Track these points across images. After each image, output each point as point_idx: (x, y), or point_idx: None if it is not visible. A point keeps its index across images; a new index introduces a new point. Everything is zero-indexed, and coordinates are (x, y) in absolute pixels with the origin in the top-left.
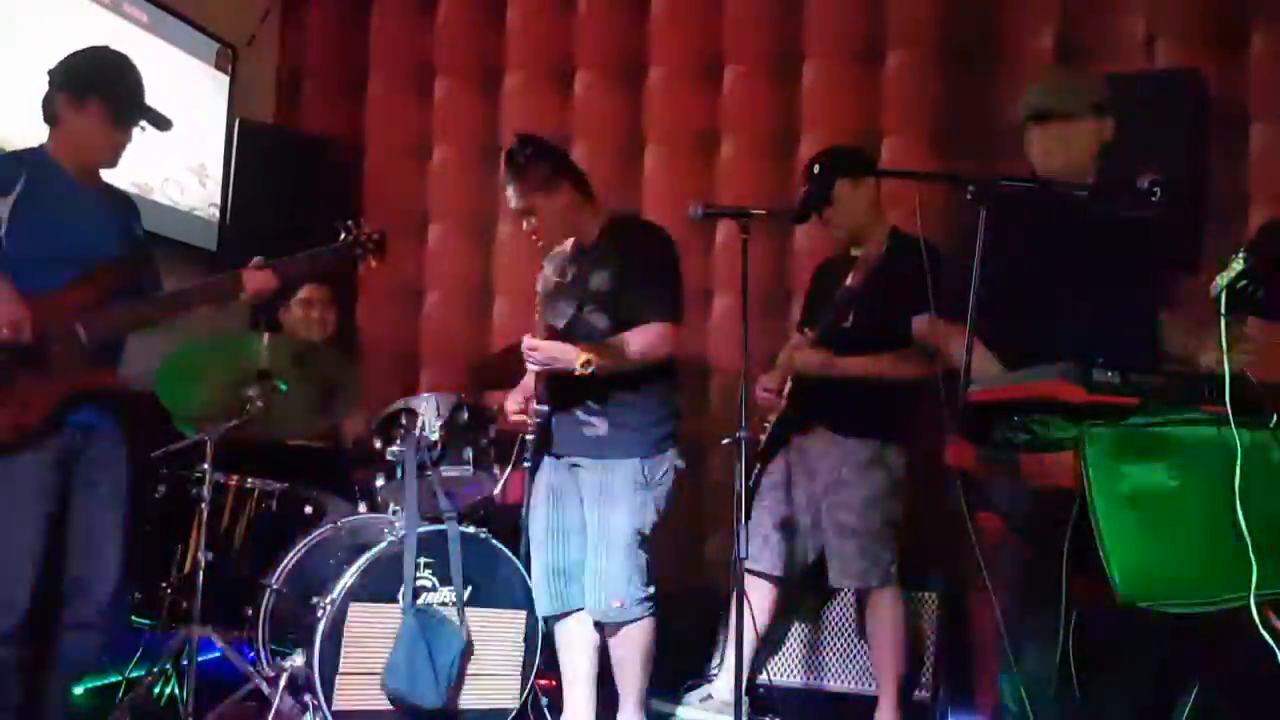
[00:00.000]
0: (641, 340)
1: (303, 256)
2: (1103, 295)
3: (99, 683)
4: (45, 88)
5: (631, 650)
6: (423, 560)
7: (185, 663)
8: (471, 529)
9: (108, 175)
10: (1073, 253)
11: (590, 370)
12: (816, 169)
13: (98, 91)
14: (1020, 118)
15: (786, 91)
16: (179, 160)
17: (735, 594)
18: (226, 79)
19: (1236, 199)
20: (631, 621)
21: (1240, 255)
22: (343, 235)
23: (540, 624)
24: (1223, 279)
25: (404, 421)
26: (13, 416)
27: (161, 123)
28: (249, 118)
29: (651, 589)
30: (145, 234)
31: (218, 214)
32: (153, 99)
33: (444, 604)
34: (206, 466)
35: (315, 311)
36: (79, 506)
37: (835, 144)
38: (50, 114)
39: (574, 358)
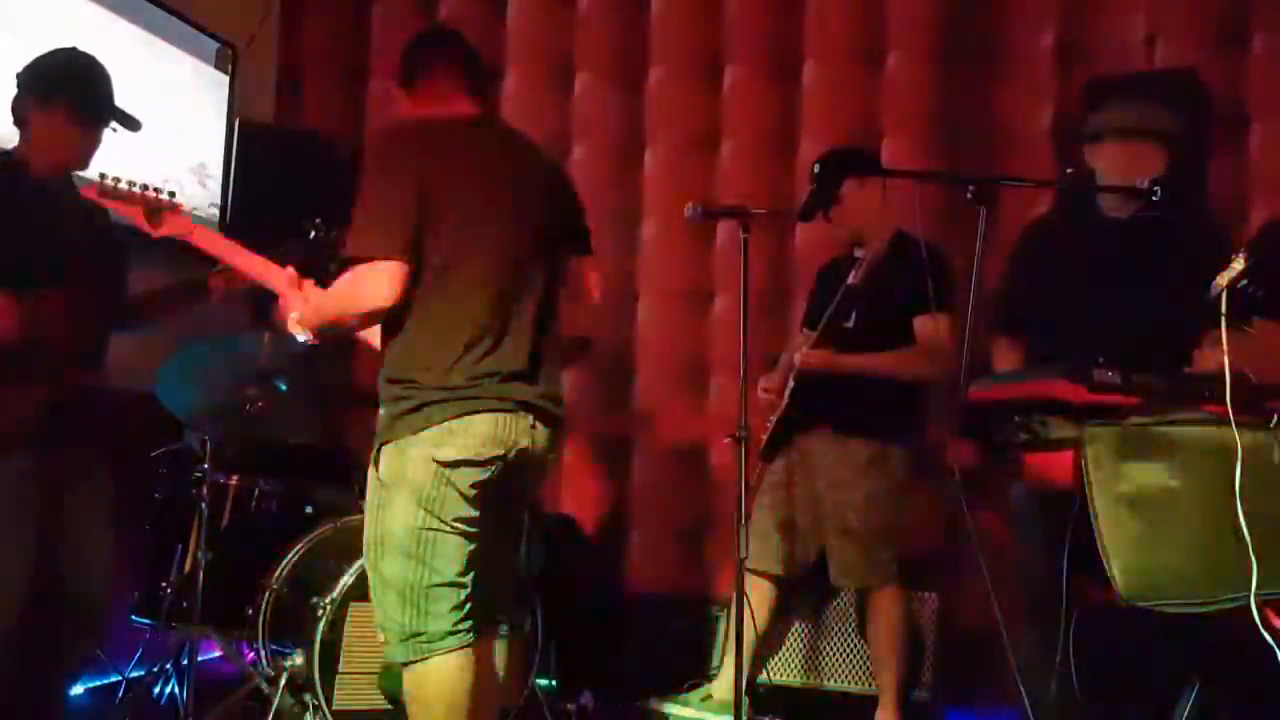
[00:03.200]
0: (336, 287)
1: (273, 254)
2: (1145, 301)
3: (99, 683)
4: (14, 90)
5: (413, 704)
6: None
7: (185, 663)
8: None
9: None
10: (1115, 258)
11: (302, 335)
12: (822, 169)
13: (63, 93)
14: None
15: (786, 91)
16: (179, 160)
17: (735, 594)
18: (226, 79)
19: (1236, 199)
20: (404, 665)
21: (1240, 255)
22: (312, 234)
23: (540, 624)
24: (1223, 279)
25: None
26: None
27: (131, 123)
28: (249, 118)
29: (419, 628)
30: (127, 234)
31: (218, 214)
32: (146, 95)
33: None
34: (206, 466)
35: None
36: (67, 508)
37: (839, 144)
38: (18, 117)
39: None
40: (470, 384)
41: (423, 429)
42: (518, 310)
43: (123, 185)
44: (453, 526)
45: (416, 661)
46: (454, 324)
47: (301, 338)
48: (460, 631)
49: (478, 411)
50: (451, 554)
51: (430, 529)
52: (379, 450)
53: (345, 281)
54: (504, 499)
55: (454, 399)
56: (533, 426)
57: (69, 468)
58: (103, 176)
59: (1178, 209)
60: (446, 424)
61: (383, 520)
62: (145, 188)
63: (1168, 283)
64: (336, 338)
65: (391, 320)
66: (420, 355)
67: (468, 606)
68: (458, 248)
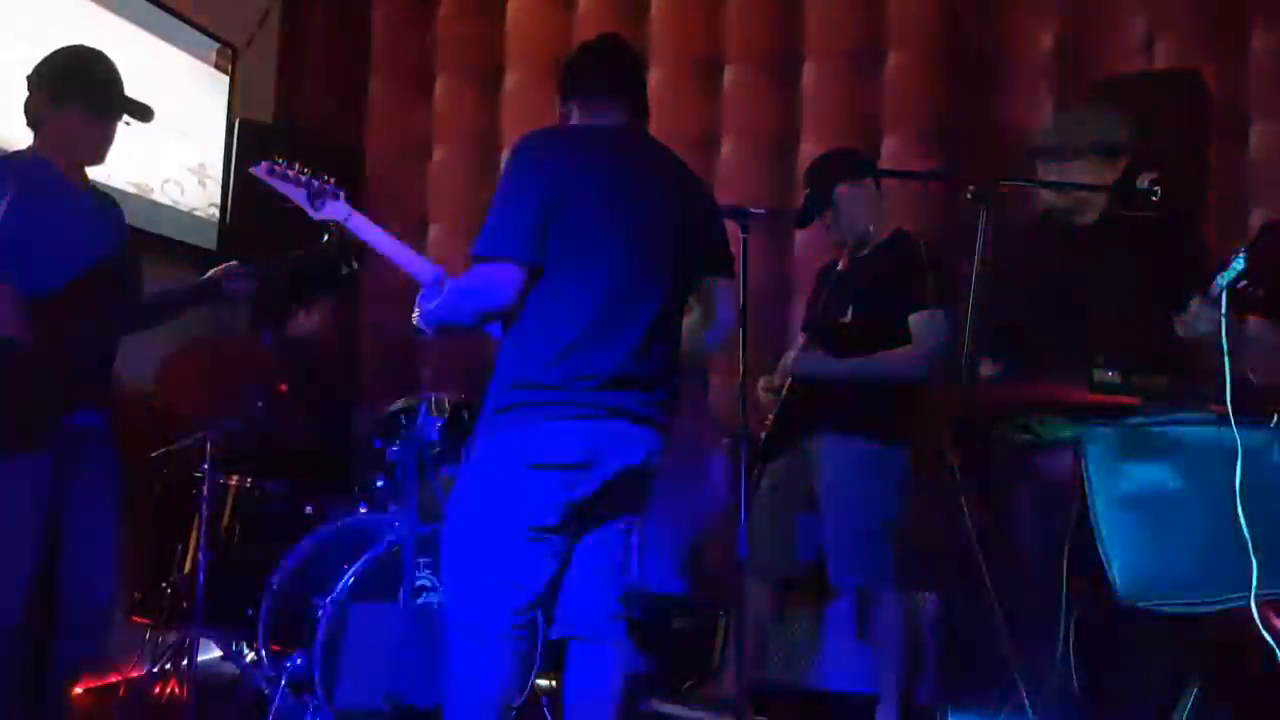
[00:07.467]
0: (458, 282)
1: (282, 259)
2: (1121, 298)
3: (99, 683)
4: (26, 93)
5: (451, 692)
6: (423, 560)
7: (185, 663)
8: None
9: (105, 174)
10: (1092, 258)
11: (425, 328)
12: (814, 174)
13: (75, 88)
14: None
15: (786, 91)
16: (179, 160)
17: (735, 594)
18: (226, 79)
19: (1236, 199)
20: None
21: (1240, 255)
22: (325, 237)
23: (540, 623)
24: (1223, 279)
25: (404, 421)
26: (11, 419)
27: (143, 113)
28: (249, 118)
29: (474, 622)
30: (130, 234)
31: (218, 214)
32: (146, 95)
33: (444, 604)
34: (206, 466)
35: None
36: (74, 508)
37: (833, 148)
38: (33, 117)
39: None
40: (565, 386)
41: (513, 428)
42: (630, 318)
43: (291, 170)
44: (526, 528)
45: (465, 654)
46: (559, 326)
47: (425, 330)
48: (515, 636)
49: (569, 416)
50: (521, 555)
51: (503, 527)
52: (473, 443)
53: (466, 278)
54: (595, 507)
55: (547, 402)
56: (628, 434)
57: (82, 467)
58: (275, 160)
59: (1149, 211)
60: (536, 425)
61: (461, 510)
62: (311, 174)
63: (1130, 286)
64: (459, 333)
65: (507, 320)
66: (523, 355)
67: (530, 612)
68: (573, 252)
